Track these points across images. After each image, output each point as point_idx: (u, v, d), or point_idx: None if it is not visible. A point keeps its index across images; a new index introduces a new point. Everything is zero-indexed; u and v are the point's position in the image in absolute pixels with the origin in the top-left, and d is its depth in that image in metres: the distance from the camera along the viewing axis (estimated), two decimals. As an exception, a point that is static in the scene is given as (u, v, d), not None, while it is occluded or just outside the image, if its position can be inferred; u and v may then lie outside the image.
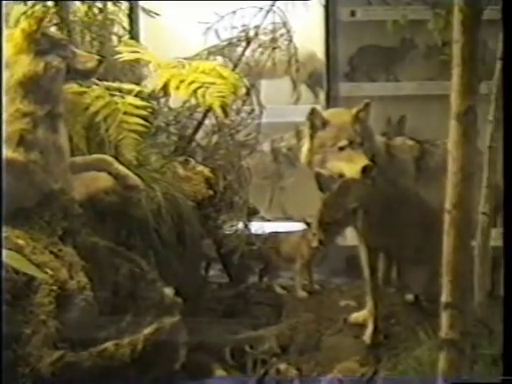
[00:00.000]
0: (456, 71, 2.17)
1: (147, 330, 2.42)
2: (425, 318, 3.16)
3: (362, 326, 3.41)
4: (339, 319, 3.55)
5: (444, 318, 2.46)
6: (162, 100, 3.64)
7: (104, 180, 2.94)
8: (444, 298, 2.45)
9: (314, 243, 3.52)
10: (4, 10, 2.87)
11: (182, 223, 3.17)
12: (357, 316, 3.51)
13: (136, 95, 3.14)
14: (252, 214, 3.74)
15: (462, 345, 2.43)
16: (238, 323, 3.48)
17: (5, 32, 2.80)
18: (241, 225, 3.74)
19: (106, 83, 3.13)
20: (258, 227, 4.07)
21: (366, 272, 3.31)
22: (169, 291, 2.76)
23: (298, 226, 3.98)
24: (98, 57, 2.95)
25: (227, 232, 3.73)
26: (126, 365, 2.34)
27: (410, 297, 3.63)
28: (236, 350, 3.25)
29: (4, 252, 2.11)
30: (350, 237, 3.62)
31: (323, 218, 2.99)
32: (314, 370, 3.21)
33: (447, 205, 2.38)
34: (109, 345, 2.30)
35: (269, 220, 4.60)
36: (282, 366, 3.17)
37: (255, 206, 3.80)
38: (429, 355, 2.61)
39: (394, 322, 3.44)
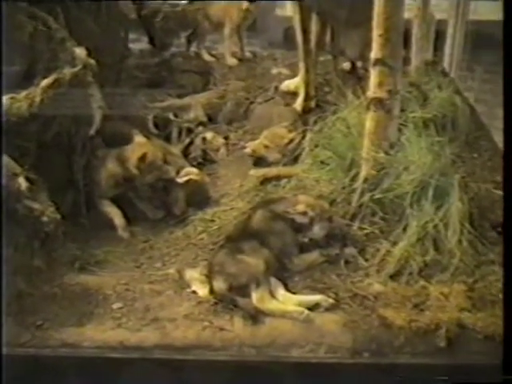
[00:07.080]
0: None
1: (45, 82, 2.18)
2: (358, 83, 3.02)
3: (293, 94, 3.25)
4: (270, 87, 3.38)
5: (373, 76, 2.30)
6: None
7: None
8: (373, 54, 2.27)
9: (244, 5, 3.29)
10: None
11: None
12: (288, 84, 3.33)
13: None
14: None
15: (389, 104, 2.30)
16: (163, 92, 3.29)
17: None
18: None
19: None
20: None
21: (299, 35, 3.08)
22: (80, 51, 2.49)
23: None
24: None
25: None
26: (24, 120, 2.13)
27: (346, 65, 3.46)
28: (159, 119, 3.09)
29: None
30: (289, 6, 3.37)
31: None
32: (241, 139, 3.10)
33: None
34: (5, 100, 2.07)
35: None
36: (209, 135, 3.05)
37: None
38: (356, 116, 2.48)
39: (327, 91, 3.30)
